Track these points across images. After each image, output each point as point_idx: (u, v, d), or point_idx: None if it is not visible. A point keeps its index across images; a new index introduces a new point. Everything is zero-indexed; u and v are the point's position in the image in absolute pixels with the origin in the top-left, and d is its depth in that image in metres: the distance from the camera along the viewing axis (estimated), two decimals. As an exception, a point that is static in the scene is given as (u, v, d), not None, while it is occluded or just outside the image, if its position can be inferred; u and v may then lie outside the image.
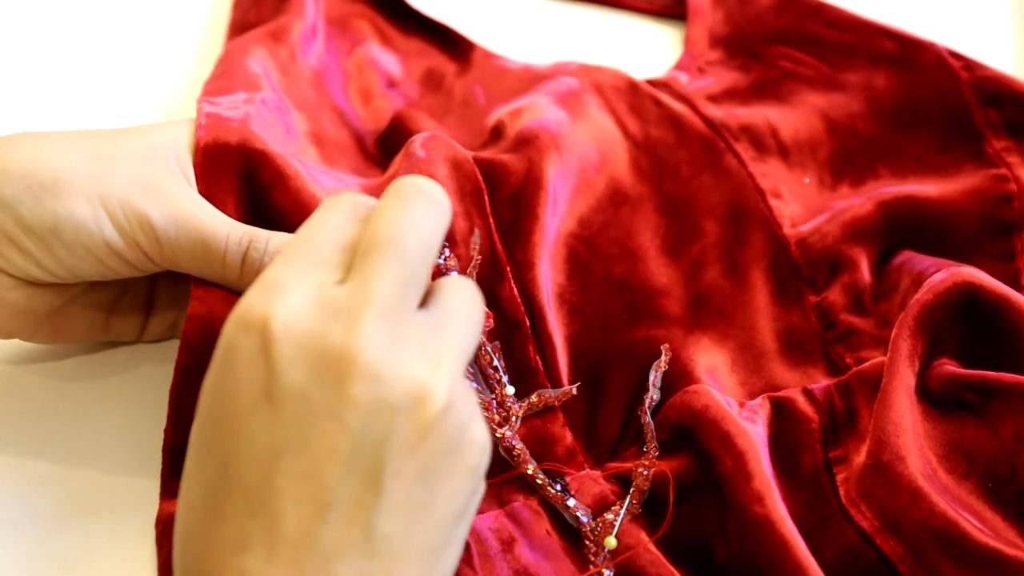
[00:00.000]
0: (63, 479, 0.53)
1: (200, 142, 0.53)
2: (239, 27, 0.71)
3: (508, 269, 0.56)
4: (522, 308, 0.56)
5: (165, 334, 0.57)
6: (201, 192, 0.52)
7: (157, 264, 0.50)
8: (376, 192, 0.57)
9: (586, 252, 0.60)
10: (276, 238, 0.51)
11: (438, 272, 0.53)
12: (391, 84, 0.70)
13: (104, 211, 0.48)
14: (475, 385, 0.53)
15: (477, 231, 0.56)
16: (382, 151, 0.66)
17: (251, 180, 0.53)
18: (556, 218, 0.60)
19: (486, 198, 0.57)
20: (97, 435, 0.55)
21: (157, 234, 0.49)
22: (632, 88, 0.68)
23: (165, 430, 0.51)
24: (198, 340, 0.50)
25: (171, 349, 0.56)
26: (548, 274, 0.58)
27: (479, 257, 0.55)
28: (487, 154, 0.60)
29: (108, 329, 0.55)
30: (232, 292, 0.51)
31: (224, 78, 0.62)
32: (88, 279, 0.51)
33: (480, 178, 0.58)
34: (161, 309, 0.56)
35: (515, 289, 0.56)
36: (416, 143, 0.59)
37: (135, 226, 0.48)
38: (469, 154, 0.59)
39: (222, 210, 0.52)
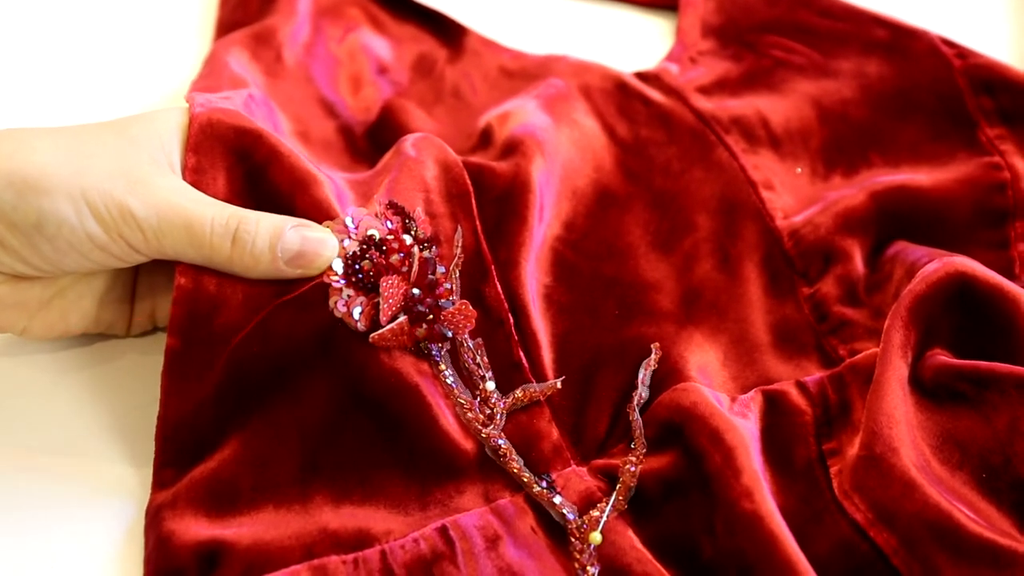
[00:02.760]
0: (51, 470, 0.54)
1: (196, 117, 0.53)
2: (226, 26, 0.71)
3: (492, 268, 0.56)
4: (506, 306, 0.56)
5: (148, 325, 0.57)
6: (192, 165, 0.52)
7: (144, 254, 0.50)
8: (363, 187, 0.57)
9: (573, 255, 0.60)
10: (266, 219, 0.51)
11: (423, 270, 0.53)
12: (382, 70, 0.70)
13: (87, 206, 0.48)
14: (455, 385, 0.53)
15: (460, 228, 0.56)
16: (370, 143, 0.66)
17: (245, 158, 0.53)
18: (543, 224, 0.60)
19: (472, 200, 0.57)
20: (83, 426, 0.55)
21: (140, 224, 0.49)
22: (620, 88, 0.68)
23: (158, 417, 0.51)
24: (185, 322, 0.50)
25: (153, 340, 0.58)
26: (533, 274, 0.58)
27: (462, 255, 0.55)
28: (476, 159, 0.60)
29: (99, 321, 0.55)
30: (218, 274, 0.51)
31: (211, 78, 0.63)
32: (75, 272, 0.51)
33: (468, 181, 0.58)
34: (143, 299, 0.57)
35: (499, 287, 0.56)
36: (408, 142, 0.59)
37: (118, 219, 0.49)
38: (459, 158, 0.59)
39: (212, 185, 0.52)
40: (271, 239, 0.50)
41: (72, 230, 0.48)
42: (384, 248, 0.53)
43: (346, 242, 0.52)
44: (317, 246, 0.51)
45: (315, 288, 0.51)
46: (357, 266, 0.52)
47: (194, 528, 0.49)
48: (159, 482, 0.51)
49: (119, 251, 0.50)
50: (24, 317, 0.53)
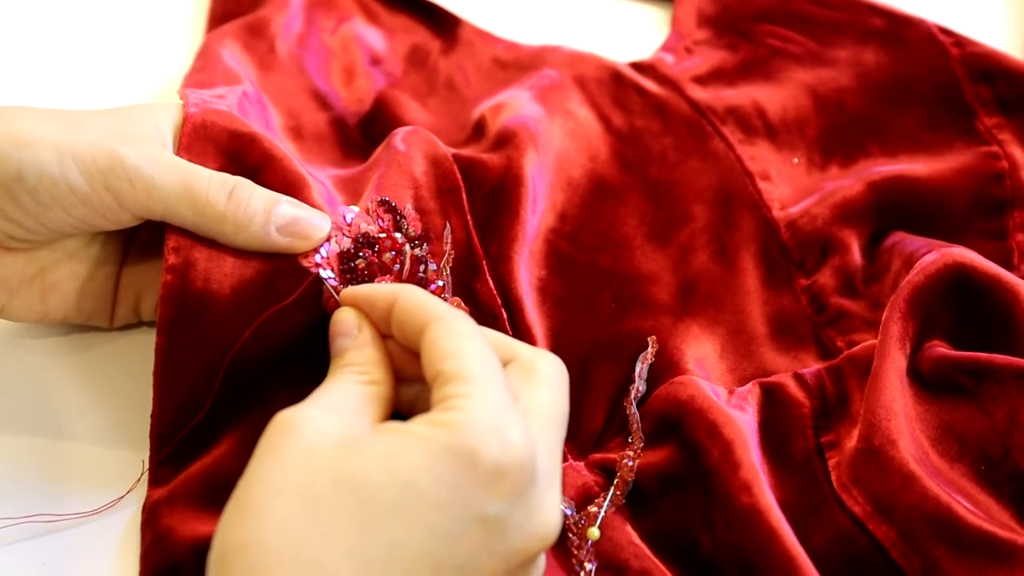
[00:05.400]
0: (46, 456, 0.54)
1: (189, 117, 0.53)
2: (218, 18, 0.71)
3: (484, 264, 0.56)
4: (499, 301, 0.55)
5: (132, 318, 0.57)
6: None
7: (129, 211, 0.50)
8: (352, 184, 0.57)
9: (569, 247, 0.60)
10: (261, 190, 0.51)
11: (414, 269, 0.53)
12: (375, 61, 0.70)
13: (70, 158, 0.48)
14: None
15: (449, 225, 0.56)
16: (363, 135, 0.66)
17: (238, 160, 0.53)
18: (537, 215, 0.59)
19: (463, 195, 0.57)
20: (80, 410, 0.55)
21: (129, 173, 0.49)
22: (616, 79, 0.67)
23: (152, 415, 0.51)
24: (174, 320, 0.50)
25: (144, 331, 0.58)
26: (527, 268, 0.58)
27: (452, 251, 0.55)
28: (467, 152, 0.60)
29: (80, 310, 0.55)
30: (206, 246, 0.51)
31: (205, 72, 0.62)
32: (60, 232, 0.51)
33: (458, 176, 0.57)
34: (127, 291, 0.56)
35: (491, 283, 0.56)
36: (397, 136, 0.58)
37: (105, 169, 0.49)
38: (449, 151, 0.58)
39: None
40: (266, 203, 0.51)
41: (53, 182, 0.48)
42: (377, 247, 0.52)
43: (342, 240, 0.52)
44: (310, 220, 0.51)
45: (306, 290, 0.51)
46: (351, 264, 0.52)
47: (192, 524, 0.48)
48: (155, 479, 0.50)
49: (103, 206, 0.50)
50: (4, 294, 0.53)
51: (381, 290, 0.48)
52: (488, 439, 0.40)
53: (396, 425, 0.42)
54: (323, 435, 0.41)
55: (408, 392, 0.47)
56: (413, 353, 0.45)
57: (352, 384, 0.45)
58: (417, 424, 0.41)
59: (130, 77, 0.71)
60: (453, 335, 0.43)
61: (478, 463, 0.40)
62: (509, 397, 0.42)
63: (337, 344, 0.47)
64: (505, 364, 0.45)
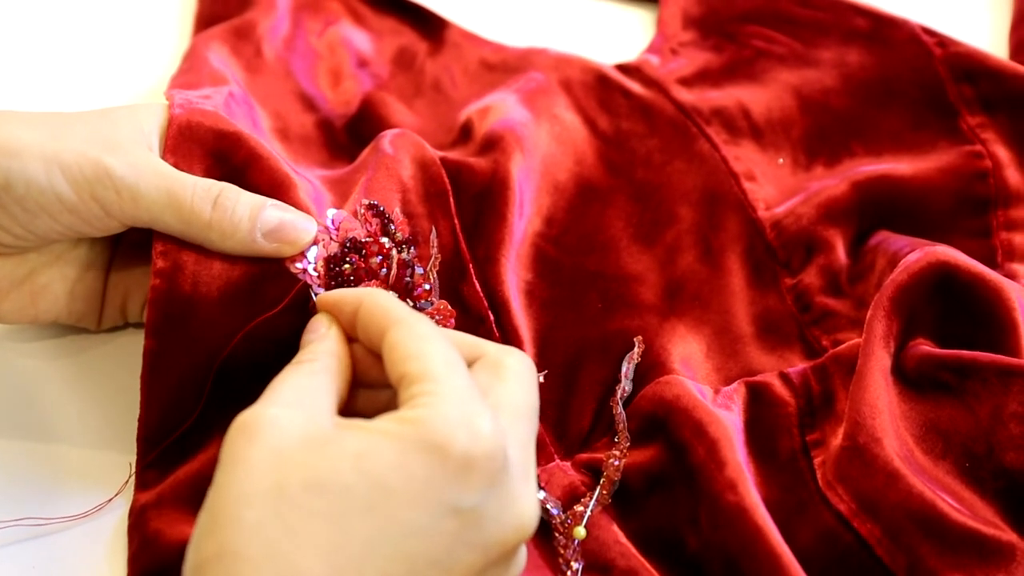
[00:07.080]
0: (35, 459, 0.54)
1: (174, 119, 0.53)
2: (205, 20, 0.71)
3: (471, 267, 0.56)
4: (485, 304, 0.56)
5: (119, 320, 0.57)
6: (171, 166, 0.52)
7: (116, 219, 0.50)
8: (340, 185, 0.57)
9: (554, 250, 0.60)
10: (248, 194, 0.51)
11: (401, 273, 0.53)
12: (362, 63, 0.70)
13: (57, 167, 0.48)
14: None
15: (435, 229, 0.56)
16: (350, 137, 0.66)
17: (224, 160, 0.53)
18: (523, 219, 0.59)
19: (451, 199, 0.57)
20: (69, 414, 0.55)
21: (115, 183, 0.49)
22: (601, 81, 0.68)
23: (139, 419, 0.51)
24: (161, 324, 0.50)
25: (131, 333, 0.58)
26: (514, 271, 0.58)
27: (439, 255, 0.55)
28: (455, 155, 0.60)
29: (70, 312, 0.55)
30: (193, 250, 0.51)
31: (191, 73, 0.62)
32: (48, 239, 0.51)
33: (446, 180, 0.58)
34: (115, 292, 0.57)
35: (478, 286, 0.56)
36: (385, 139, 0.58)
37: (92, 179, 0.49)
38: (437, 154, 0.59)
39: None
40: (252, 209, 0.51)
41: (41, 191, 0.48)
42: (364, 251, 0.53)
43: (330, 244, 0.52)
44: (296, 224, 0.51)
45: (295, 297, 0.51)
46: (339, 269, 0.52)
47: (180, 527, 0.48)
48: (142, 483, 0.51)
49: (90, 215, 0.50)
50: None
51: (348, 294, 0.48)
52: (457, 431, 0.40)
53: (362, 423, 0.42)
54: (287, 436, 0.40)
55: (379, 398, 0.47)
56: (380, 357, 0.45)
57: (307, 376, 0.44)
58: (384, 422, 0.41)
59: (117, 79, 0.71)
60: (415, 337, 0.44)
61: (448, 456, 0.40)
62: (476, 391, 0.42)
63: (303, 342, 0.48)
64: (473, 363, 0.45)
